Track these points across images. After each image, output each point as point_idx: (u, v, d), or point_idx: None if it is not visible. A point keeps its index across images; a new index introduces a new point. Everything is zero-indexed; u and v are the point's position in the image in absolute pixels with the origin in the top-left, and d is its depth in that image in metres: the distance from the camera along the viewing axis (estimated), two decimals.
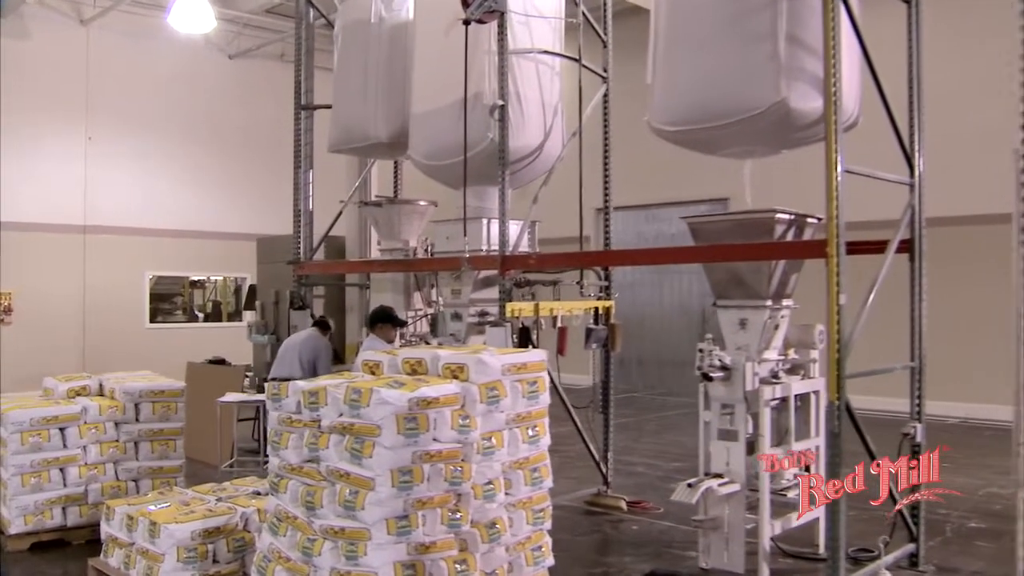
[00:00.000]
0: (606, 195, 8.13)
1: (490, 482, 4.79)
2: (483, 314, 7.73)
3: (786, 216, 5.98)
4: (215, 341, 15.57)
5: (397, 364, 5.13)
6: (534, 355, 5.07)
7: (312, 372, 8.23)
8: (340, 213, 9.24)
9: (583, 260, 7.56)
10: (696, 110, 6.00)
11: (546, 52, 7.48)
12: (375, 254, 9.92)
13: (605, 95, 8.09)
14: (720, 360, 5.99)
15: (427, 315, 8.52)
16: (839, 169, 5.20)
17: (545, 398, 5.09)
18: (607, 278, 7.95)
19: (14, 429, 6.62)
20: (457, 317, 7.76)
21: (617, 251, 7.55)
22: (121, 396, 7.07)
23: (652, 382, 16.67)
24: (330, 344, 8.62)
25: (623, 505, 7.72)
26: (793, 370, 6.48)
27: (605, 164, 8.14)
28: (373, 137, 8.31)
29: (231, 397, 8.97)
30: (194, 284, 17.42)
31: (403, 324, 7.92)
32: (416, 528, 4.42)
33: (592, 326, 7.68)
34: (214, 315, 17.67)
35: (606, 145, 8.14)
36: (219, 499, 5.98)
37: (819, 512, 6.42)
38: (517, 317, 7.09)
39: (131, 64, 15.04)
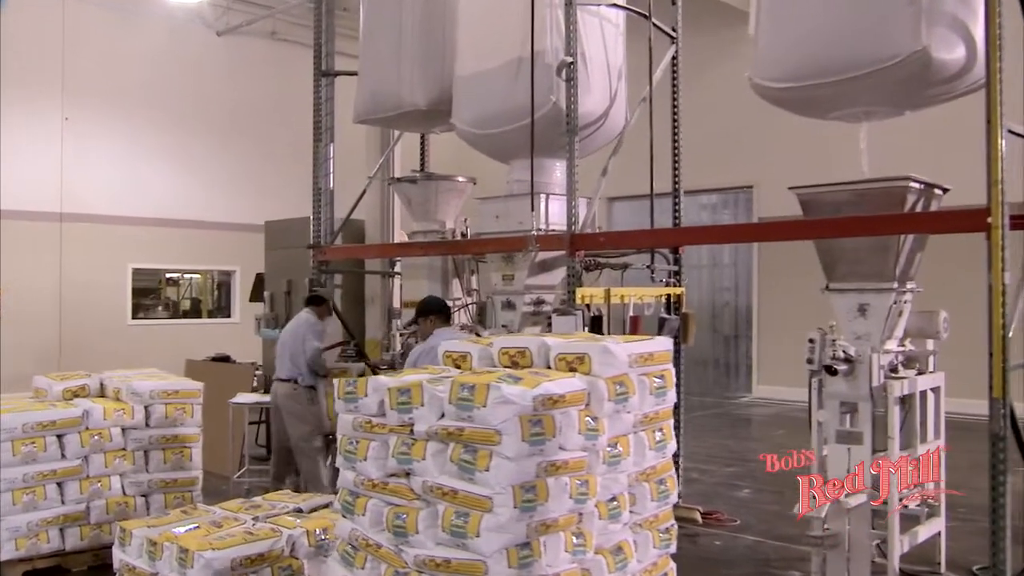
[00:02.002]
0: (676, 171, 7.30)
1: (614, 498, 3.95)
2: (539, 302, 6.91)
3: (917, 185, 5.20)
4: (204, 337, 14.56)
5: (491, 355, 4.26)
6: (660, 343, 4.23)
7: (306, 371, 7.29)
8: (365, 191, 8.32)
9: (664, 238, 6.74)
10: (814, 63, 5.21)
11: (615, 5, 6.64)
12: (398, 237, 9.03)
13: (674, 57, 7.26)
14: (844, 351, 5.20)
15: (467, 305, 7.64)
16: (1002, 128, 4.45)
17: (672, 395, 4.26)
18: (677, 262, 7.13)
19: (5, 436, 5.66)
20: (509, 306, 6.91)
21: (709, 227, 6.70)
22: (128, 397, 6.12)
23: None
24: (323, 327, 7.44)
25: (698, 517, 6.91)
26: (908, 363, 5.72)
27: (675, 137, 7.30)
28: (408, 104, 7.41)
29: (244, 398, 8.02)
30: (168, 281, 16.31)
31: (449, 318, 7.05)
32: (539, 558, 3.57)
33: (665, 315, 6.87)
34: (193, 312, 16.59)
35: (675, 114, 7.31)
36: (255, 519, 5.07)
37: (940, 526, 5.70)
38: (588, 304, 6.25)
39: (112, 39, 13.94)
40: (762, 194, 14.30)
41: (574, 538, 3.71)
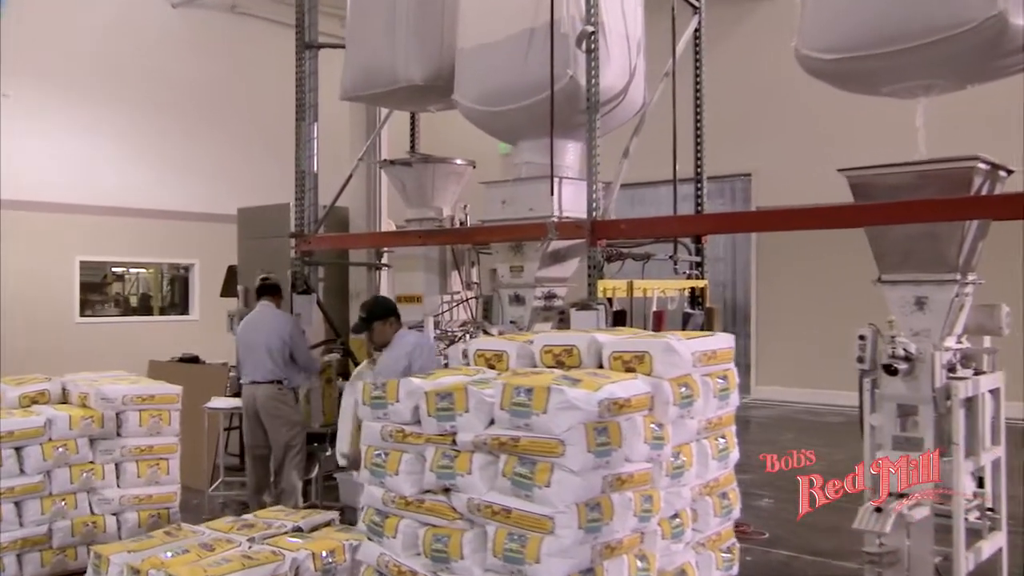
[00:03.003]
0: (698, 153, 7.03)
1: (676, 514, 3.67)
2: (550, 296, 6.60)
3: (984, 166, 4.97)
4: (160, 337, 14.05)
5: (532, 354, 3.95)
6: (722, 340, 3.95)
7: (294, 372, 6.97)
8: (351, 174, 7.93)
9: (693, 226, 6.46)
10: (870, 31, 4.94)
11: None
12: (385, 226, 8.67)
13: (697, 30, 6.98)
14: (905, 349, 4.96)
15: (466, 300, 7.31)
16: None
17: (736, 398, 4.00)
18: (699, 252, 6.86)
19: None
20: (518, 300, 6.60)
21: (743, 214, 6.42)
22: (97, 403, 5.70)
23: None
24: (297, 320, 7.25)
25: None
26: (965, 362, 5.50)
27: (697, 115, 7.03)
28: (403, 80, 7.04)
29: (220, 403, 7.60)
30: (113, 276, 15.72)
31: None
32: None
33: (690, 310, 6.60)
34: (143, 310, 16.00)
35: (698, 90, 7.04)
36: (250, 540, 4.71)
37: (1002, 540, 5.49)
38: (609, 298, 5.96)
39: (58, 10, 13.32)
40: (761, 182, 14.15)
41: (638, 561, 3.44)
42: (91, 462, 5.65)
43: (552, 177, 6.05)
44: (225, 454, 8.33)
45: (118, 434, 5.74)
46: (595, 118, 5.94)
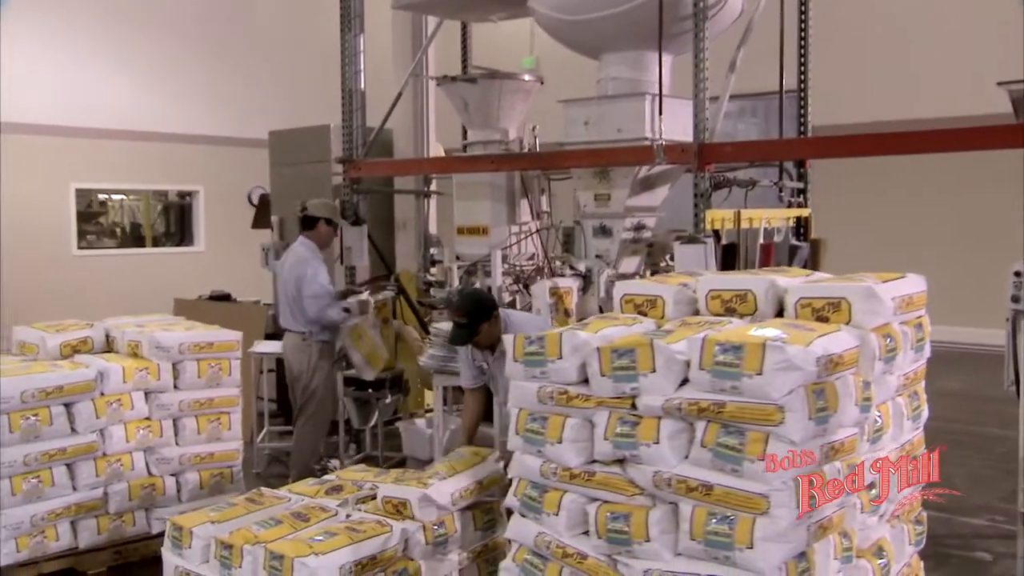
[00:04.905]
0: (803, 65, 6.56)
1: (872, 484, 3.34)
2: (639, 227, 6.23)
3: None
4: (163, 270, 13.68)
5: (692, 299, 3.57)
6: (914, 283, 3.57)
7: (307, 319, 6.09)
8: (401, 92, 7.42)
9: (806, 148, 6.04)
10: None
11: None
12: (434, 151, 8.20)
13: None
14: None
15: (535, 232, 6.91)
16: None
17: (928, 349, 3.63)
18: (802, 178, 6.46)
19: (1, 408, 4.81)
20: (604, 231, 6.24)
21: (862, 137, 5.97)
22: (151, 353, 5.29)
23: None
24: (321, 259, 6.28)
25: None
26: None
27: (802, 21, 6.54)
28: None
29: (266, 347, 7.21)
30: (100, 204, 15.17)
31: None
32: (813, 572, 2.96)
33: (796, 242, 6.22)
34: (133, 240, 15.48)
35: None
36: (342, 504, 4.37)
37: None
38: (716, 231, 5.58)
39: None
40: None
41: (842, 540, 3.12)
42: (147, 418, 5.28)
43: (661, 95, 5.61)
44: (267, 401, 7.94)
45: (175, 387, 5.36)
46: (703, 25, 5.47)
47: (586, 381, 3.19)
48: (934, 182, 11.20)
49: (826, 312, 3.25)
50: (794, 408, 2.78)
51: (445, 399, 6.36)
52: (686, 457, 2.98)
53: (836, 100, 12.57)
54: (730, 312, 3.45)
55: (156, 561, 5.11)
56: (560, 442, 3.20)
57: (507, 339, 3.42)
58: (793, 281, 3.43)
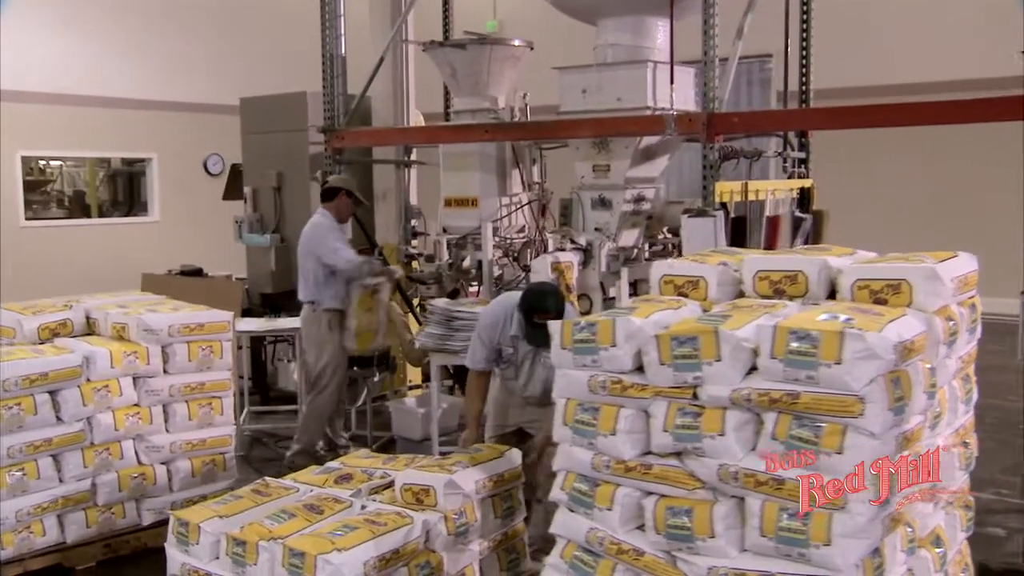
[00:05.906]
0: (805, 27, 6.45)
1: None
2: (639, 199, 6.10)
3: None
4: (118, 242, 13.23)
5: (737, 279, 3.44)
6: (968, 261, 3.48)
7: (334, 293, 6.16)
8: (383, 58, 7.15)
9: (816, 119, 5.94)
10: None
11: None
12: (414, 118, 7.95)
13: None
14: None
15: (528, 204, 6.74)
16: None
17: (979, 330, 3.56)
18: (804, 148, 6.37)
19: None
20: (603, 203, 6.09)
21: (877, 106, 5.88)
22: (139, 336, 5.04)
23: None
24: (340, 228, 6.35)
25: None
26: None
27: None
28: None
29: (250, 324, 6.96)
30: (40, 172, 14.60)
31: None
32: (886, 566, 2.88)
33: (800, 214, 6.14)
34: (81, 209, 14.94)
35: None
36: (354, 495, 4.20)
37: None
38: (724, 203, 5.47)
39: None
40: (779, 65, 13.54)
41: (908, 530, 3.04)
42: (136, 404, 5.04)
43: (673, 62, 5.45)
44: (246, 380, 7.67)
45: (165, 371, 5.11)
46: None
47: (640, 369, 3.05)
48: (936, 151, 11.09)
49: (885, 294, 3.13)
50: (874, 399, 2.68)
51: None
52: (752, 449, 2.87)
53: (832, 63, 12.61)
54: (779, 294, 3.33)
55: (148, 554, 4.94)
56: (614, 433, 3.06)
57: (553, 326, 3.26)
58: (845, 261, 3.32)
